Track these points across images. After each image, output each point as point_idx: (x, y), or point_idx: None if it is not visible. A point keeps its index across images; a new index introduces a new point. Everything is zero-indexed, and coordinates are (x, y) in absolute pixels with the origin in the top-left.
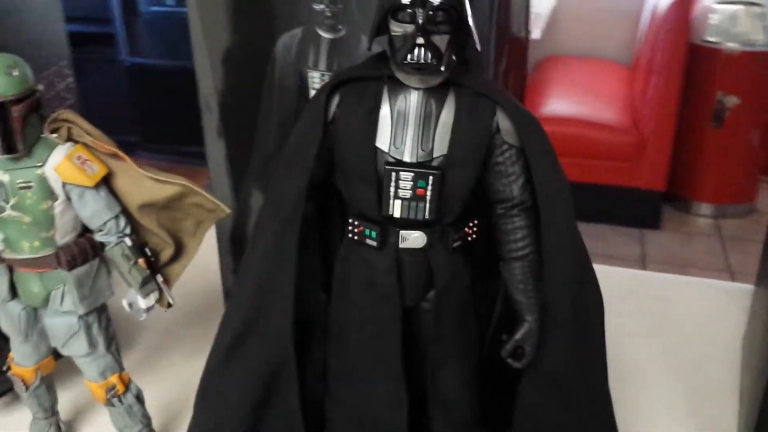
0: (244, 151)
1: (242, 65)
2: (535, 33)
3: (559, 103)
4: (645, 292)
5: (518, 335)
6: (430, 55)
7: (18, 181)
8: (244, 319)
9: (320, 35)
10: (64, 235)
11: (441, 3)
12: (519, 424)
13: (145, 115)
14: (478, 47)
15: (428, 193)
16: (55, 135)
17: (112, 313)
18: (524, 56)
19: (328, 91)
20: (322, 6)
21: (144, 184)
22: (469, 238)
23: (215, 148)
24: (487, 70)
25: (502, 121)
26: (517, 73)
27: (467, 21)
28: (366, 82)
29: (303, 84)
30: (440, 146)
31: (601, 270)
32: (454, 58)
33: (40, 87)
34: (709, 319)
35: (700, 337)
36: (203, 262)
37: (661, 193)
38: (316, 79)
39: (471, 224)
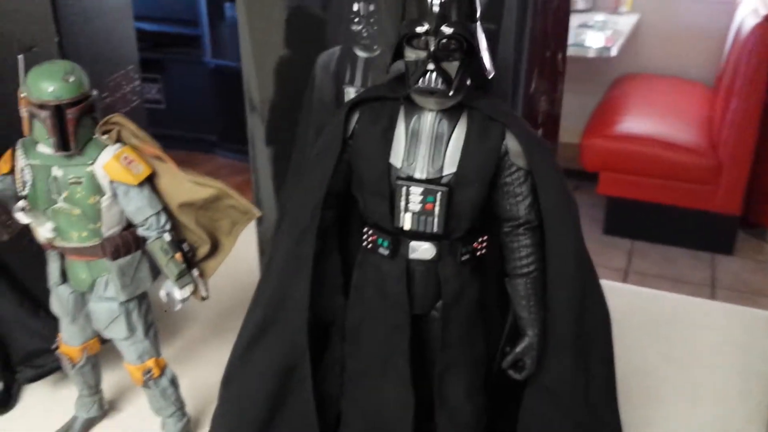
0: (287, 156)
1: (286, 77)
2: (613, 50)
3: (635, 121)
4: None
5: (519, 348)
6: (440, 80)
7: (70, 177)
8: (264, 316)
9: (356, 54)
10: (109, 227)
11: (452, 33)
12: None
13: (224, 115)
14: (488, 74)
15: (436, 208)
16: (105, 136)
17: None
18: (558, 80)
19: (347, 108)
20: (359, 27)
21: (184, 185)
22: (478, 253)
23: (260, 151)
24: (514, 93)
25: (511, 144)
26: (550, 97)
27: (478, 49)
28: (385, 101)
29: (339, 99)
30: (450, 165)
31: (642, 293)
32: (469, 82)
33: (94, 92)
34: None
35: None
36: (248, 259)
37: (737, 218)
38: (351, 95)
39: (481, 239)
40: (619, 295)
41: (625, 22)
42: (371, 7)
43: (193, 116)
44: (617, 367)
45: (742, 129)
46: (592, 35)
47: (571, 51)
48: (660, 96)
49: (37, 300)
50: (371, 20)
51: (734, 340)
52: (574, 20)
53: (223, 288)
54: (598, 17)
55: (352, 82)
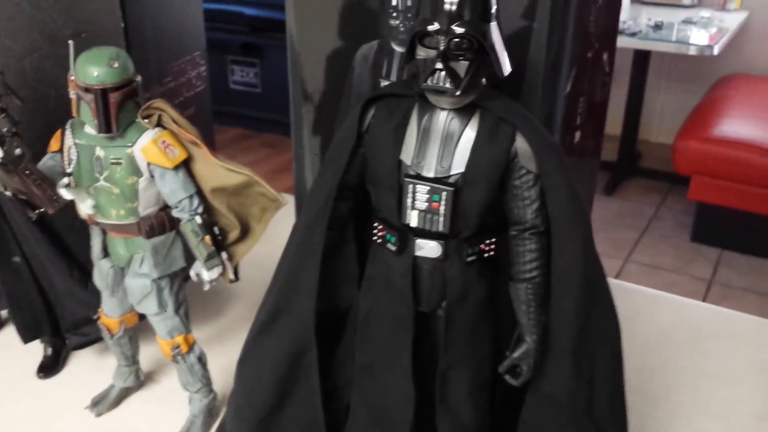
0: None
1: (336, 68)
2: (716, 49)
3: (734, 124)
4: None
5: (516, 354)
6: (449, 80)
7: (111, 157)
8: (276, 301)
9: (394, 48)
10: (146, 207)
11: (463, 32)
12: None
13: None
14: (500, 74)
15: (442, 207)
16: (146, 120)
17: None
18: (604, 81)
19: (364, 103)
20: (397, 22)
21: (217, 170)
22: (486, 254)
23: (306, 140)
24: (547, 94)
25: (521, 147)
26: (592, 98)
27: (494, 49)
28: (401, 98)
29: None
30: (459, 164)
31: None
32: (483, 81)
33: (138, 78)
34: None
35: None
36: None
37: None
38: None
39: (488, 241)
40: (665, 306)
41: (733, 19)
42: (408, 2)
43: (287, 101)
44: (650, 379)
45: None
46: (695, 32)
47: (671, 48)
48: (764, 98)
49: (85, 270)
50: (408, 15)
51: None
52: (679, 15)
53: (269, 270)
54: (704, 13)
55: (388, 76)
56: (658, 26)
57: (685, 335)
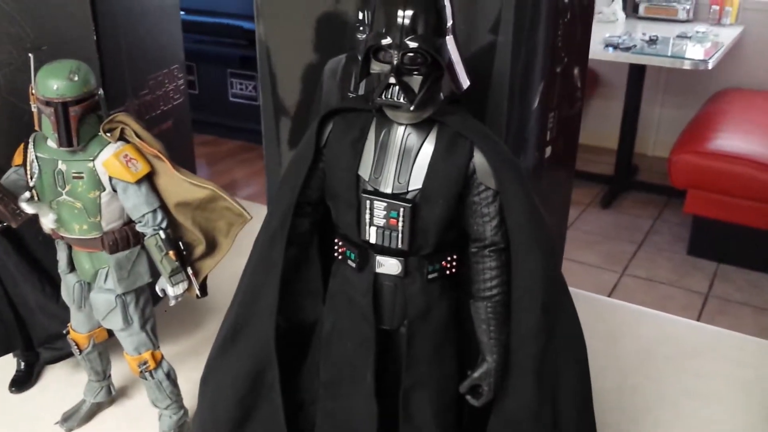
0: None
1: (298, 82)
2: (710, 63)
3: (729, 138)
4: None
5: (476, 374)
6: (402, 95)
7: (73, 171)
8: (236, 319)
9: None
10: (109, 222)
11: (416, 47)
12: None
13: None
14: (458, 89)
15: (400, 223)
16: (109, 134)
17: (185, 299)
18: (575, 96)
19: (321, 118)
20: (364, 36)
21: (180, 185)
22: (448, 272)
23: (276, 152)
24: (510, 109)
25: (479, 162)
26: (563, 113)
27: (450, 63)
28: (358, 113)
29: None
30: (416, 180)
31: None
32: (441, 96)
33: (100, 92)
34: None
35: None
36: None
37: None
38: None
39: (450, 258)
40: (649, 323)
41: (728, 33)
42: None
43: None
44: (631, 396)
45: None
46: (691, 46)
47: (666, 62)
48: (759, 113)
49: (56, 285)
50: None
51: (764, 377)
52: (674, 30)
53: None
54: (699, 28)
55: (356, 90)
56: (653, 40)
57: (669, 352)
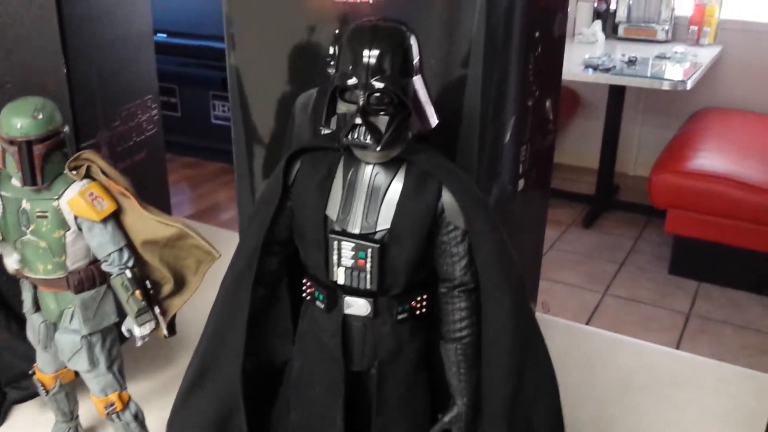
0: None
1: (270, 112)
2: (688, 83)
3: (708, 158)
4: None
5: (446, 418)
6: (369, 135)
7: (37, 210)
8: (202, 362)
9: None
10: (74, 261)
11: (382, 87)
12: None
13: None
14: (425, 128)
15: (368, 264)
16: (74, 172)
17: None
18: (547, 129)
19: (289, 156)
20: (334, 71)
21: (148, 222)
22: (418, 312)
23: (243, 181)
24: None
25: (448, 202)
26: (535, 146)
27: (418, 102)
28: (326, 151)
29: None
30: (384, 220)
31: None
32: (410, 135)
33: (66, 129)
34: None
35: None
36: None
37: None
38: None
39: (420, 298)
40: (626, 351)
41: (706, 54)
42: None
43: None
44: (609, 427)
45: None
46: (669, 67)
47: (645, 83)
48: (738, 132)
49: (23, 323)
50: None
51: (743, 406)
52: (653, 50)
53: None
54: (678, 48)
55: (328, 125)
56: (632, 61)
57: (646, 381)
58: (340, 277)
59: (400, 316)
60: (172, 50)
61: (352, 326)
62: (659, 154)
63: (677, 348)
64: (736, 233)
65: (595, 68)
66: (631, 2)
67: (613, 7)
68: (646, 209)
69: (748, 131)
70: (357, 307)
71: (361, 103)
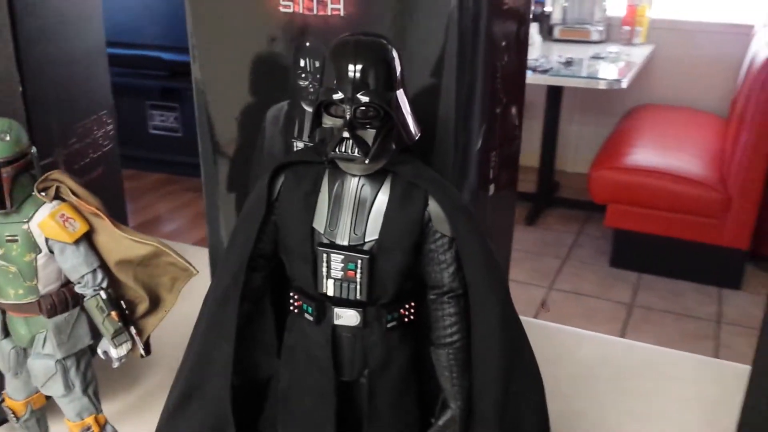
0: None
1: (236, 125)
2: (624, 82)
3: (644, 153)
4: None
5: (441, 421)
6: (356, 149)
7: (5, 234)
8: (188, 381)
9: (304, 109)
10: (46, 285)
11: (368, 101)
12: None
13: None
14: (409, 140)
15: (358, 275)
16: (43, 193)
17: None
18: (514, 135)
19: (272, 170)
20: (306, 83)
21: (121, 242)
22: (406, 319)
23: (221, 195)
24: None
25: (434, 211)
26: (503, 152)
27: (402, 115)
28: (309, 165)
29: (288, 152)
30: (372, 231)
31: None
32: (394, 146)
33: (33, 150)
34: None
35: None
36: None
37: (745, 252)
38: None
39: (408, 305)
40: (587, 345)
41: (639, 53)
42: (317, 63)
43: None
44: (577, 423)
45: (752, 162)
46: (604, 67)
47: (582, 83)
48: (672, 127)
49: None
50: (317, 76)
51: (704, 394)
52: (588, 51)
53: (187, 332)
54: (612, 48)
55: (300, 137)
56: (568, 62)
57: (608, 373)
58: (329, 288)
59: (389, 324)
60: (109, 60)
61: (341, 337)
62: (597, 151)
63: (622, 338)
64: (673, 225)
65: (534, 70)
66: (565, 4)
67: (548, 9)
68: (586, 205)
69: (682, 126)
70: (347, 317)
71: (348, 117)
